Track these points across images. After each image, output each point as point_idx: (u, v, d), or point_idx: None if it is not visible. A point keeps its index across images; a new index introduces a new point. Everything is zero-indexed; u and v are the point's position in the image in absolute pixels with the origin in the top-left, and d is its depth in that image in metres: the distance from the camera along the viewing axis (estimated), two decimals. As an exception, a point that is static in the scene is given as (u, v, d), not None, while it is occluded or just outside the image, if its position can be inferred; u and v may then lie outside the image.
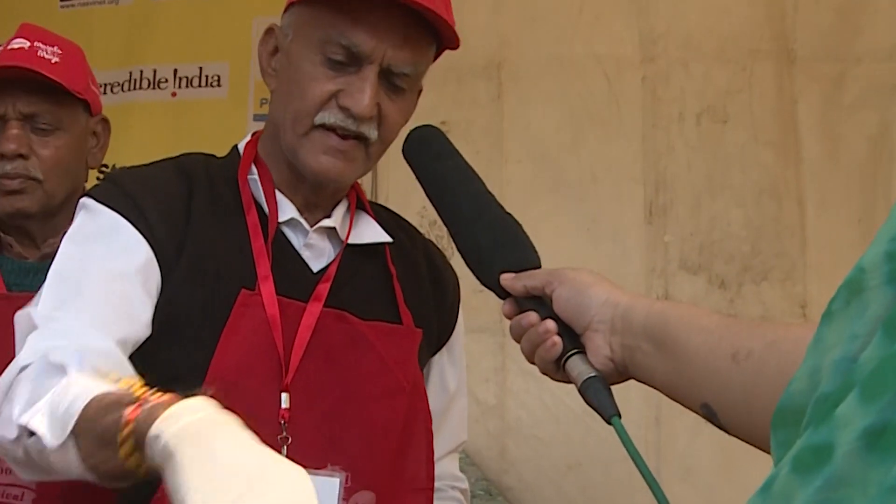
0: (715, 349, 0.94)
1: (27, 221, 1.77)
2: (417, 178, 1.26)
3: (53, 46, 1.77)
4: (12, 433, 1.08)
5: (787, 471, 0.51)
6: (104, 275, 1.25)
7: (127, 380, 1.02)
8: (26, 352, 1.15)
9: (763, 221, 2.65)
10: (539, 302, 1.11)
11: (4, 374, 1.15)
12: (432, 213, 1.25)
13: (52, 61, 1.74)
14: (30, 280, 1.75)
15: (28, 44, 1.75)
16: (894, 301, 0.49)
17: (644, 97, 2.71)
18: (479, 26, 2.74)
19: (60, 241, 1.75)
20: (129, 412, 0.90)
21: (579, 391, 1.04)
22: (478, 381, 2.61)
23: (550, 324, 1.07)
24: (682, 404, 0.99)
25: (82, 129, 1.80)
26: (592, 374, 1.03)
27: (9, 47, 1.75)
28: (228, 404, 1.25)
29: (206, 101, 2.93)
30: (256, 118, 2.87)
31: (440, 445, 1.52)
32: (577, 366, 1.05)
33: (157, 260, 1.28)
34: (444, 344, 1.52)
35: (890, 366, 0.47)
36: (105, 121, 1.86)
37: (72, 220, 1.77)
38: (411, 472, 1.42)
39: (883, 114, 2.64)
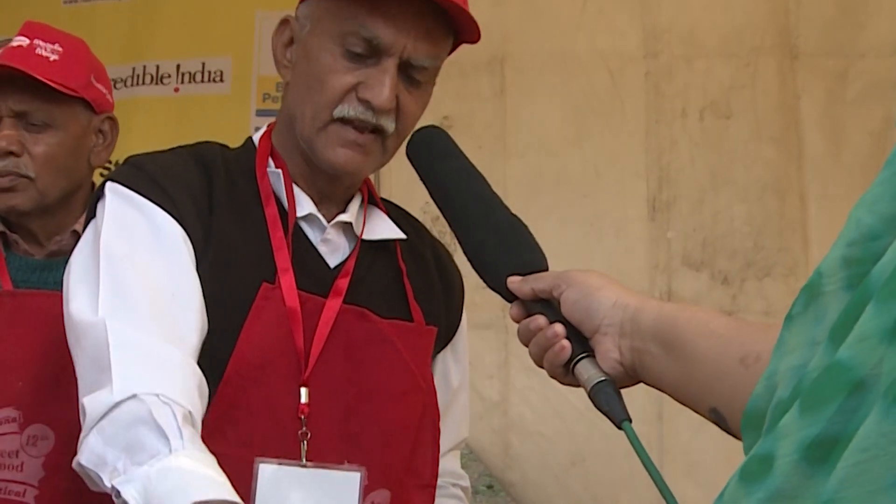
0: (723, 353, 0.93)
1: (24, 219, 1.77)
2: (422, 179, 1.25)
3: (54, 44, 1.76)
4: (95, 469, 1.07)
5: (736, 479, 0.51)
6: (161, 276, 1.23)
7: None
8: (119, 382, 1.11)
9: (766, 217, 2.65)
10: (547, 305, 1.09)
11: (97, 398, 1.11)
12: (435, 209, 1.25)
13: (50, 59, 1.73)
14: (36, 277, 1.75)
15: (28, 41, 1.74)
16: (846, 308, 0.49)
17: (647, 93, 2.71)
18: (482, 21, 2.70)
19: (66, 238, 1.77)
20: None
21: (589, 396, 1.02)
22: (481, 378, 2.61)
23: (559, 327, 1.06)
24: (691, 408, 0.98)
25: (81, 127, 1.80)
26: (602, 379, 1.02)
27: (10, 45, 1.75)
28: (248, 398, 1.25)
29: (209, 96, 2.91)
30: (259, 113, 2.86)
31: (442, 442, 1.53)
32: (586, 370, 1.03)
33: (194, 249, 1.27)
34: (449, 341, 1.53)
35: (829, 377, 0.47)
36: (112, 119, 1.85)
37: (79, 213, 1.78)
38: (420, 470, 1.43)
39: (886, 109, 2.63)
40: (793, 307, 0.55)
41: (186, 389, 1.12)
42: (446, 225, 1.23)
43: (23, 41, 1.74)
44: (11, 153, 1.72)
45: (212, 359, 1.24)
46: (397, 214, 1.50)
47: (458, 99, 2.72)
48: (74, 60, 1.78)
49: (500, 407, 2.64)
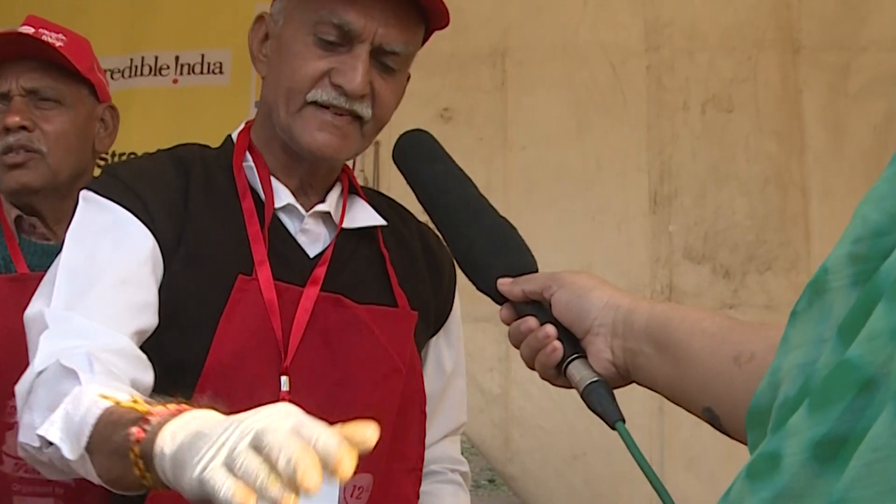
0: (717, 352, 0.92)
1: (34, 199, 1.78)
2: (409, 183, 1.24)
3: (58, 33, 1.80)
4: (35, 441, 1.08)
5: (742, 477, 0.51)
6: (114, 268, 1.25)
7: (128, 398, 1.02)
8: (41, 355, 1.14)
9: (767, 211, 2.65)
10: (538, 306, 1.08)
11: (23, 379, 1.15)
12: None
13: (56, 44, 1.76)
14: (51, 263, 1.76)
15: (33, 30, 1.77)
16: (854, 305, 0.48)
17: (649, 86, 2.71)
18: (483, 13, 2.72)
19: None
20: (135, 432, 0.92)
21: (582, 397, 1.02)
22: (482, 371, 2.61)
23: (550, 329, 1.05)
24: (685, 408, 0.98)
25: (88, 111, 1.83)
26: (594, 379, 1.01)
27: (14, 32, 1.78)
28: (229, 389, 1.26)
29: (208, 87, 2.91)
30: (258, 105, 2.85)
31: (438, 427, 1.54)
32: (578, 371, 1.03)
33: (161, 250, 1.29)
34: (441, 326, 1.53)
35: (838, 375, 0.46)
36: (113, 108, 1.89)
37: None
38: (405, 454, 1.44)
39: (888, 103, 2.63)
40: (797, 304, 0.54)
41: (110, 350, 1.15)
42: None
43: (28, 30, 1.78)
44: (23, 128, 1.74)
45: (191, 352, 1.26)
46: (381, 202, 1.50)
47: (458, 91, 2.72)
48: (79, 48, 1.82)
49: (501, 400, 2.64)
